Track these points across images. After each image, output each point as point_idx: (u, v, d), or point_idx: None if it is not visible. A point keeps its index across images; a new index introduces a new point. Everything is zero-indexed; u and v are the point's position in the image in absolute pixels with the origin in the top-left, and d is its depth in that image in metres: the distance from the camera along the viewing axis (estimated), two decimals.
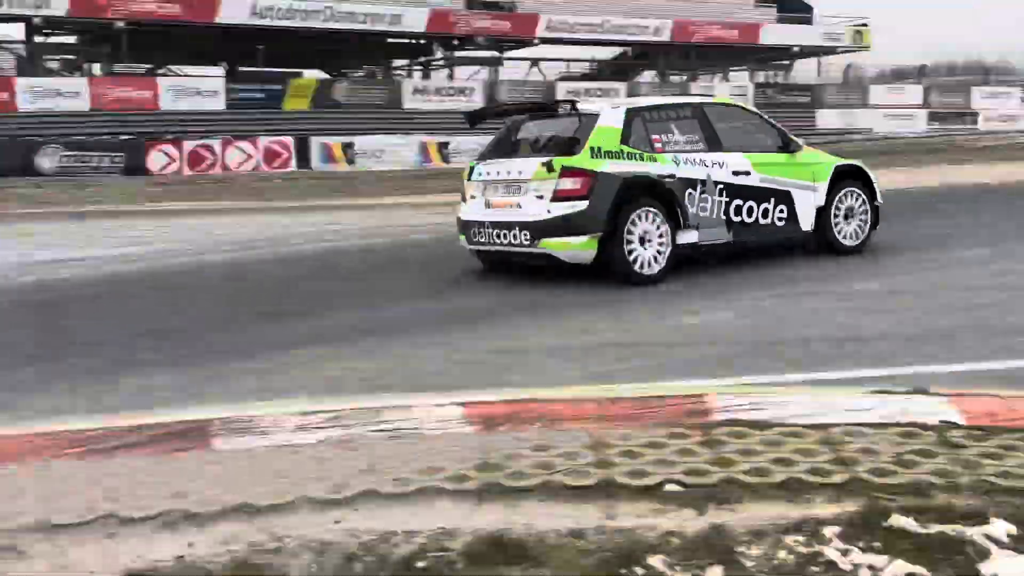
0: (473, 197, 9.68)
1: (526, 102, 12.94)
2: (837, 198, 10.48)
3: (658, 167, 9.22)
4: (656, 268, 9.08)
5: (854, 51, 55.83)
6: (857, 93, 55.31)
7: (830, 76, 57.71)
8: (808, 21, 52.94)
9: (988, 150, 41.54)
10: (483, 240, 9.56)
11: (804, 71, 56.80)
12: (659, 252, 9.10)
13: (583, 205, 8.76)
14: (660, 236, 9.10)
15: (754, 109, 10.92)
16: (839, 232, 10.57)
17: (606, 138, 9.02)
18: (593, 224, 8.77)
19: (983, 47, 75.94)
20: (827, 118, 51.49)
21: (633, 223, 8.91)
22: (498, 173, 9.40)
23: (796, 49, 53.91)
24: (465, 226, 9.76)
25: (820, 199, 10.38)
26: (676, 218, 9.20)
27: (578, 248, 8.87)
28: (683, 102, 10.15)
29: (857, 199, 10.66)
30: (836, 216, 10.54)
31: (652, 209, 9.01)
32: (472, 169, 9.79)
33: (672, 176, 9.23)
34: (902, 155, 36.59)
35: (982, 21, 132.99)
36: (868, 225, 10.82)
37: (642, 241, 8.97)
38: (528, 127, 9.88)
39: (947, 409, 4.83)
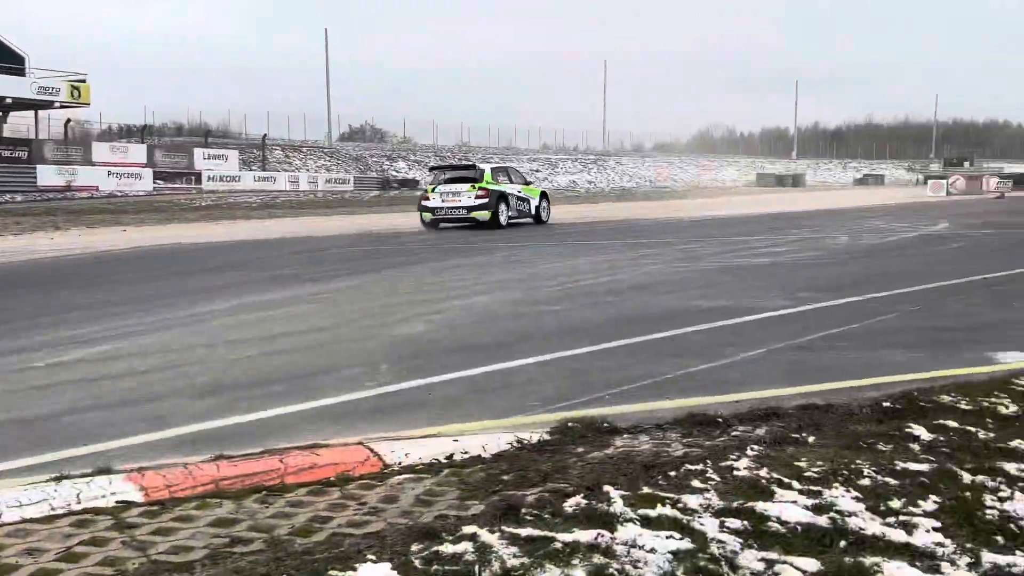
0: (434, 197, 27.26)
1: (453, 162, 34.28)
2: (541, 201, 29.96)
3: (505, 188, 27.76)
4: (505, 221, 27.34)
5: (72, 106, 54.55)
6: (80, 150, 54.15)
7: (52, 132, 55.77)
8: (21, 72, 50.49)
9: (210, 208, 43.25)
10: (442, 216, 27.21)
11: (20, 124, 54.06)
12: (507, 216, 27.55)
13: (484, 200, 26.76)
14: (507, 210, 27.44)
15: (518, 170, 30.29)
16: (544, 215, 30.40)
17: (489, 177, 27.22)
18: (489, 207, 26.76)
19: (205, 110, 79.21)
20: (47, 174, 49.60)
21: (503, 204, 27.26)
22: (449, 188, 27.16)
23: (9, 101, 51.11)
24: (429, 210, 27.45)
25: (535, 202, 29.40)
26: (507, 206, 27.07)
27: (483, 215, 26.78)
28: (504, 165, 30.28)
29: (546, 202, 30.78)
30: (543, 208, 30.46)
31: (505, 203, 27.35)
32: (433, 188, 27.63)
33: (507, 192, 27.76)
34: (127, 213, 36.47)
35: (206, 85, 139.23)
36: (549, 210, 30.97)
37: (502, 212, 27.17)
38: (451, 172, 28.48)
39: (126, 487, 4.62)
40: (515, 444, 5.39)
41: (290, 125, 73.31)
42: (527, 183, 29.25)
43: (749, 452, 5.03)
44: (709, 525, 3.98)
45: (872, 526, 3.98)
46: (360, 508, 4.42)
